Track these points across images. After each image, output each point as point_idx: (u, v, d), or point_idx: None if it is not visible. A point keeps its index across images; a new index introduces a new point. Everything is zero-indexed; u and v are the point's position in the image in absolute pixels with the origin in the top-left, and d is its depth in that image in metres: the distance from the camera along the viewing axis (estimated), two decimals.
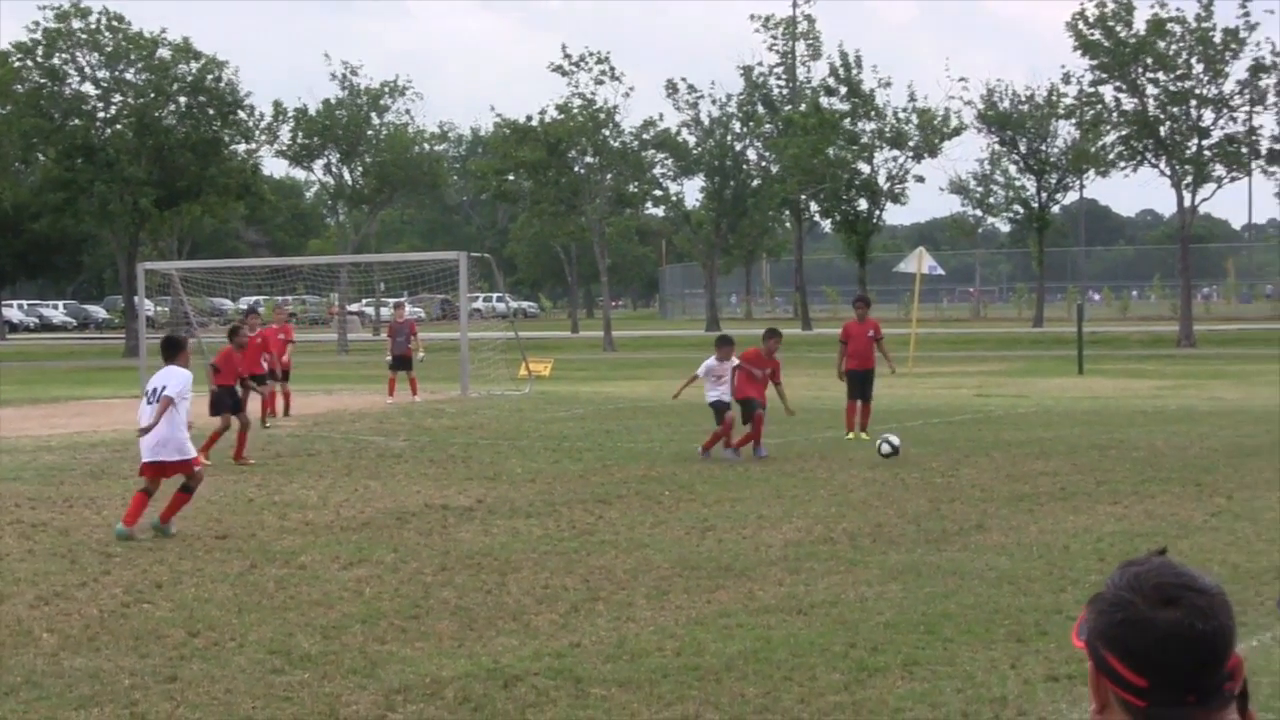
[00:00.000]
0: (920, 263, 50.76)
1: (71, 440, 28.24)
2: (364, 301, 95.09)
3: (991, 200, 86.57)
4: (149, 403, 16.77)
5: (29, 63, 75.64)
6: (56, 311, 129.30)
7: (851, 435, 26.64)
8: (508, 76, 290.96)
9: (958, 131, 71.02)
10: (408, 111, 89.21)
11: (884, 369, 27.76)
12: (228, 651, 11.08)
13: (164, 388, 16.66)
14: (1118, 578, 3.00)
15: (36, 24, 75.17)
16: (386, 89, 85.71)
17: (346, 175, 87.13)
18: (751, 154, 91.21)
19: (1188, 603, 2.92)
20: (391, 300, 63.93)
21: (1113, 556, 14.13)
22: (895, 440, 22.78)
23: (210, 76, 77.02)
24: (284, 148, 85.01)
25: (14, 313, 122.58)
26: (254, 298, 77.41)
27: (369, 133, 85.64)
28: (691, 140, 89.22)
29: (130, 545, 15.78)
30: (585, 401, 36.91)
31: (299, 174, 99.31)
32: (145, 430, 16.65)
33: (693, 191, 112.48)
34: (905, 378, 44.74)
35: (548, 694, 9.82)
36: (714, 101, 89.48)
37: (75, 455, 25.42)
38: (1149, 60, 64.28)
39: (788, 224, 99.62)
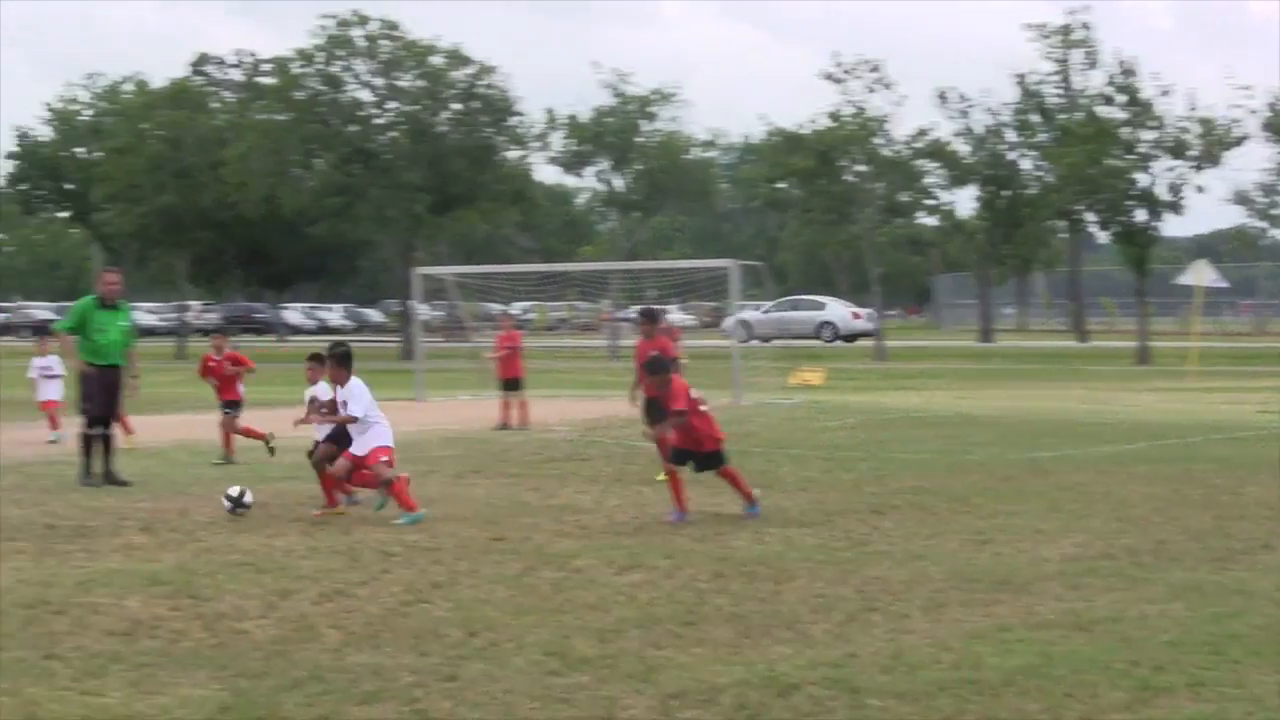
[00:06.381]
0: (1202, 275, 49.71)
1: None
2: (634, 308, 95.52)
3: (1276, 211, 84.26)
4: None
5: (309, 70, 77.35)
6: (334, 314, 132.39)
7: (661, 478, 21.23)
8: (762, 84, 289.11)
9: (1241, 141, 69.14)
10: (677, 119, 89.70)
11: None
12: (505, 652, 11.18)
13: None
14: None
15: (322, 28, 76.81)
16: (656, 96, 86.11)
17: (617, 182, 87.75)
18: (1026, 163, 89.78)
19: None
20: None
21: None
22: (234, 493, 18.89)
23: (482, 83, 78.02)
24: (556, 155, 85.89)
25: (294, 315, 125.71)
26: (526, 303, 78.35)
27: (639, 140, 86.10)
28: (964, 149, 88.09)
29: (409, 545, 16.01)
30: (857, 411, 36.63)
31: (570, 181, 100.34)
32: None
33: (965, 201, 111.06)
34: (1186, 392, 43.81)
35: (824, 704, 9.75)
36: (987, 110, 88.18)
37: None
38: None
39: (1063, 234, 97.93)
